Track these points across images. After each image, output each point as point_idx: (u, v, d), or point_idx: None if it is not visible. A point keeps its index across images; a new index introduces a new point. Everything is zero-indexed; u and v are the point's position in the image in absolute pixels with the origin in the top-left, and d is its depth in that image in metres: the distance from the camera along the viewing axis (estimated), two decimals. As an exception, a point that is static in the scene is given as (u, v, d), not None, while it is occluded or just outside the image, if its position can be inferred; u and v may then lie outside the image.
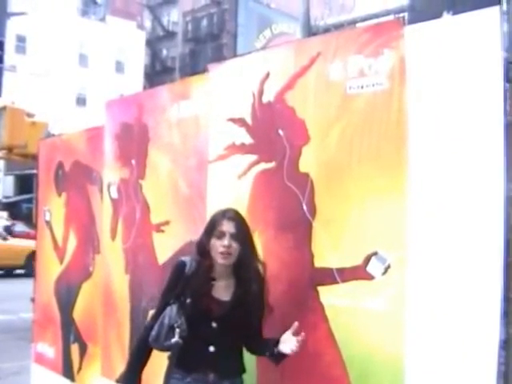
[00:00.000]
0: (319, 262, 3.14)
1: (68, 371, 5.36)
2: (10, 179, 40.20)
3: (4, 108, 8.36)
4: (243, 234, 3.11)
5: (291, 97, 3.33)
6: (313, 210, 3.17)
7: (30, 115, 8.80)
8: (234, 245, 3.06)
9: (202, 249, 3.17)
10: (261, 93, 3.48)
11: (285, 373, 3.29)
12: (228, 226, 3.08)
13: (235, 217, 3.14)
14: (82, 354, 5.20)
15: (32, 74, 39.31)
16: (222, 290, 3.17)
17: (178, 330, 3.05)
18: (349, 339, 3.00)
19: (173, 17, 53.01)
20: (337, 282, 3.05)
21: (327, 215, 3.12)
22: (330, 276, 3.07)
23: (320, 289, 3.13)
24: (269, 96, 3.44)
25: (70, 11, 44.61)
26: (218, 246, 3.07)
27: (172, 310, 3.11)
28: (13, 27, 39.49)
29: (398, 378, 2.78)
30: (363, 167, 2.97)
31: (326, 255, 3.11)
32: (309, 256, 3.18)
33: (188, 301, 3.13)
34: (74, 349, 5.31)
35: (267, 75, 3.46)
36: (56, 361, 5.55)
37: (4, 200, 37.20)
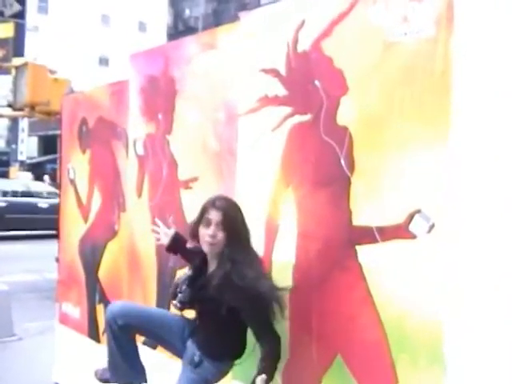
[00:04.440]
0: (358, 220, 2.97)
1: (93, 332, 5.28)
2: (34, 140, 40.40)
3: (26, 64, 8.19)
4: (230, 224, 3.12)
5: (328, 45, 3.13)
6: (351, 165, 2.99)
7: (52, 72, 8.63)
8: (220, 234, 3.10)
9: (194, 234, 3.27)
10: (295, 42, 3.29)
11: (319, 335, 3.16)
12: (215, 215, 3.12)
13: (224, 205, 3.17)
14: (107, 314, 5.09)
15: (54, 35, 39.16)
16: (211, 269, 3.27)
17: (179, 295, 3.30)
18: (388, 301, 2.84)
19: (195, -24, 52.39)
20: (376, 241, 2.88)
21: (366, 170, 2.93)
22: (369, 235, 2.90)
23: (358, 248, 2.97)
24: (304, 45, 3.25)
25: (91, -30, 44.23)
26: (205, 234, 3.14)
27: (183, 276, 3.39)
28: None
29: (437, 343, 2.62)
30: (405, 119, 2.78)
31: (365, 213, 2.94)
32: (346, 213, 3.01)
33: (189, 272, 3.37)
34: (100, 309, 5.22)
35: (302, 23, 3.26)
36: (81, 321, 5.47)
37: (28, 161, 37.34)
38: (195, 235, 3.25)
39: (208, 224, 3.14)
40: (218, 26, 4.09)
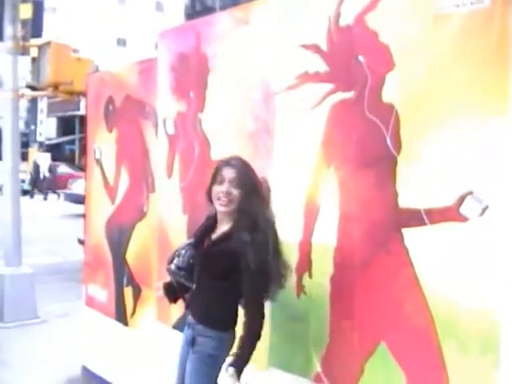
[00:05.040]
0: (404, 202, 2.84)
1: (121, 315, 5.19)
2: (53, 121, 40.44)
3: (48, 43, 8.08)
4: (245, 181, 3.06)
5: (373, 19, 2.99)
6: (398, 145, 2.86)
7: (75, 51, 8.53)
8: (235, 191, 3.04)
9: (209, 196, 3.17)
10: (338, 16, 3.15)
11: (362, 321, 3.05)
12: (228, 172, 3.06)
13: (238, 163, 3.12)
14: (135, 297, 5.01)
15: (72, 16, 39.11)
16: (221, 229, 3.18)
17: (176, 259, 3.24)
18: (436, 286, 2.72)
19: (213, -46, 52.00)
20: (424, 224, 2.75)
21: (414, 150, 2.80)
22: (416, 217, 2.77)
23: (405, 231, 2.84)
24: (347, 19, 3.11)
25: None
26: (218, 191, 3.07)
27: (183, 243, 3.35)
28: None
29: (491, 331, 2.50)
30: (456, 96, 2.64)
31: (412, 194, 2.81)
32: (392, 195, 2.88)
33: (192, 240, 3.30)
34: (128, 292, 5.12)
35: (345, -5, 3.13)
36: (108, 304, 5.38)
37: (47, 142, 37.39)
38: (210, 196, 3.16)
39: (222, 182, 3.07)
40: (236, 5, 3.96)
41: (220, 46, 3.96)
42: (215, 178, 3.11)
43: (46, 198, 28.47)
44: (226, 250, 3.05)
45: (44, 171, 30.55)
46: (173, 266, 3.25)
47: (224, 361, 3.10)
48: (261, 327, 3.00)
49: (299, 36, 3.37)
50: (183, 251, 3.26)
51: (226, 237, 3.11)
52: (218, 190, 3.07)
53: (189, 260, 3.23)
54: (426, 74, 2.76)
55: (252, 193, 3.06)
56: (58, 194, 27.77)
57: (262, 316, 3.03)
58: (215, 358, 3.14)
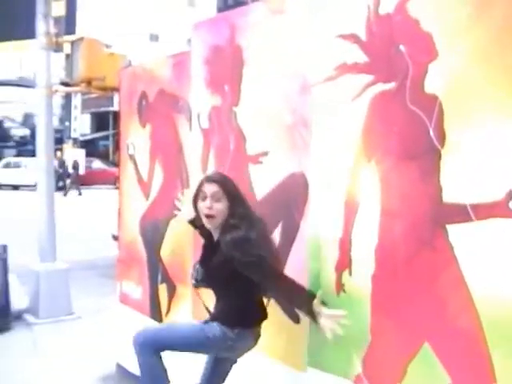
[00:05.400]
0: (449, 197, 2.72)
1: (156, 313, 5.13)
2: (87, 117, 40.76)
3: (81, 39, 8.05)
4: (226, 193, 3.23)
5: (415, 6, 2.86)
6: (441, 137, 2.73)
7: (107, 46, 8.49)
8: (217, 205, 3.21)
9: (197, 212, 3.38)
10: (377, 3, 3.03)
11: (405, 321, 2.94)
12: (209, 188, 3.24)
13: (217, 178, 3.33)
14: (170, 295, 4.94)
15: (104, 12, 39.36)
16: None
17: (195, 273, 3.41)
18: (483, 285, 2.59)
19: (245, -51, 51.93)
20: (470, 220, 2.62)
21: (459, 143, 2.67)
22: (462, 213, 2.65)
23: (449, 227, 2.72)
24: (387, 7, 2.99)
25: None
26: (203, 207, 3.25)
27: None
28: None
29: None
30: (504, 85, 2.51)
31: (457, 189, 2.68)
32: (436, 189, 2.76)
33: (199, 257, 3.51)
34: (162, 289, 5.06)
35: (385, -17, 3.01)
36: (143, 302, 5.33)
37: (81, 138, 37.68)
38: (197, 213, 3.38)
39: (204, 198, 3.24)
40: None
41: (255, 38, 3.86)
42: (198, 195, 3.30)
43: (65, 195, 28.57)
44: (219, 261, 3.21)
45: (67, 167, 30.73)
46: (193, 281, 3.44)
47: (216, 351, 3.43)
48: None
49: (337, 26, 3.26)
50: (197, 265, 3.44)
51: (215, 248, 3.27)
52: (203, 206, 3.26)
53: (203, 273, 3.40)
54: (472, 63, 2.63)
55: (234, 202, 3.24)
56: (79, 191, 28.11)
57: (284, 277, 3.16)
58: (209, 341, 3.31)
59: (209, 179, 3.30)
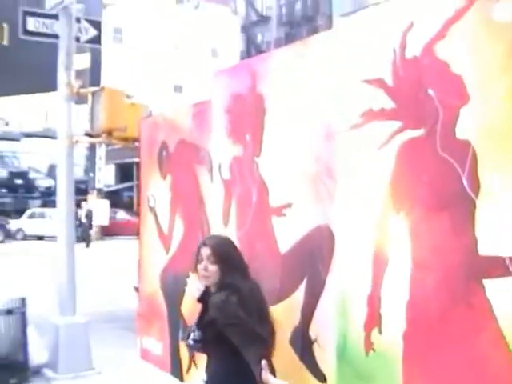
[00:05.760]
0: (485, 249, 2.56)
1: (176, 370, 4.98)
2: (111, 168, 41.02)
3: (102, 89, 8.02)
4: (219, 256, 3.30)
5: (443, 48, 2.75)
6: (476, 185, 2.59)
7: (128, 96, 8.45)
8: (211, 267, 3.28)
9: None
10: (403, 46, 2.92)
11: (440, 382, 2.75)
12: (204, 251, 3.32)
13: (212, 241, 3.40)
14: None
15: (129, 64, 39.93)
16: None
17: (192, 334, 3.35)
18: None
19: (267, 1, 52.65)
20: (509, 275, 2.45)
21: (495, 191, 2.52)
22: (499, 266, 2.49)
23: (486, 282, 2.55)
24: (414, 50, 2.88)
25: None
26: (199, 269, 3.34)
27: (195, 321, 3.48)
28: (109, 19, 40.12)
29: None
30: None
31: (494, 240, 2.52)
32: (471, 241, 2.60)
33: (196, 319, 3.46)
34: (183, 346, 4.88)
35: (411, 25, 2.89)
36: (163, 358, 5.17)
37: (105, 189, 37.85)
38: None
39: (201, 260, 3.32)
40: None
41: (276, 84, 3.76)
42: (197, 258, 3.36)
43: (87, 246, 28.26)
44: (207, 321, 3.29)
45: (81, 217, 30.48)
46: (191, 341, 3.38)
47: None
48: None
49: (361, 70, 3.16)
50: (195, 327, 3.42)
51: (206, 309, 3.34)
52: (199, 268, 3.33)
53: (200, 334, 3.39)
54: (507, 106, 2.49)
55: (227, 264, 3.30)
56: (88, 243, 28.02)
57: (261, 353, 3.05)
58: None
59: (204, 243, 3.41)
